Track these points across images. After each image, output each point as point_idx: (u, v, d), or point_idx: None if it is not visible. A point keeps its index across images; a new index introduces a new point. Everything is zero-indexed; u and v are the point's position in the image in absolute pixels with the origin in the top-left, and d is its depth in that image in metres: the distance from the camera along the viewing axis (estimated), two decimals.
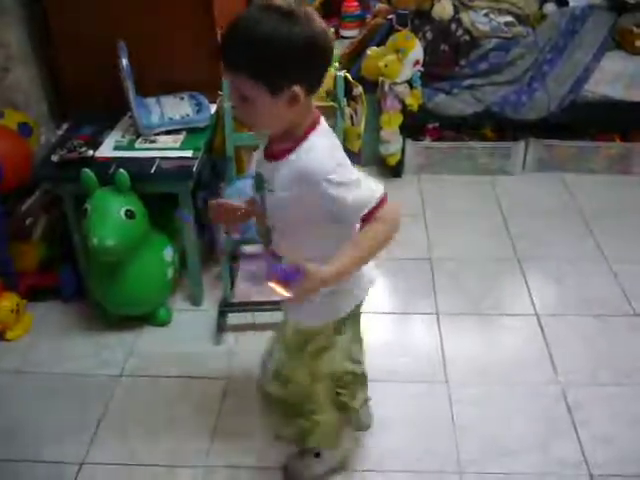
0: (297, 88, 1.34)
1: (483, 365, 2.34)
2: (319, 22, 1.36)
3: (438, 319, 2.55)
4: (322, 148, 1.42)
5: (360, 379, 1.94)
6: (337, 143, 1.48)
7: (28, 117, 2.68)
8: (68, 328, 2.55)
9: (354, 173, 1.42)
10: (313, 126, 1.44)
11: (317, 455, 1.95)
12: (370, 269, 1.64)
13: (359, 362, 1.91)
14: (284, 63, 1.33)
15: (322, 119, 1.48)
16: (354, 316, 1.74)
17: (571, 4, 3.53)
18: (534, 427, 2.11)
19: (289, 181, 1.42)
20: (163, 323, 2.53)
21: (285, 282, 1.41)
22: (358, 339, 1.88)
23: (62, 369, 2.36)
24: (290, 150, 1.42)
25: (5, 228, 2.48)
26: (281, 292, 1.43)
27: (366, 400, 2.01)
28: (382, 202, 1.43)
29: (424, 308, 2.62)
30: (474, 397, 2.22)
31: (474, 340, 2.47)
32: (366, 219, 1.42)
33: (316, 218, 1.46)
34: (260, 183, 1.52)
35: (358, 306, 1.70)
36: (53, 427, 2.15)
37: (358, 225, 1.45)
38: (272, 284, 1.44)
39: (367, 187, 1.43)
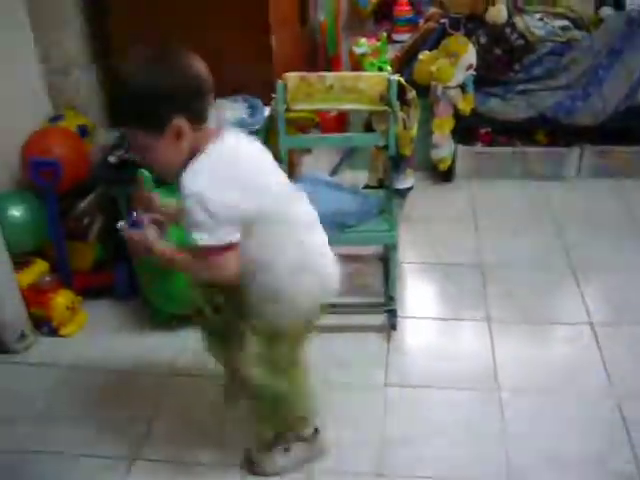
0: (179, 122, 1.48)
1: (536, 374, 2.30)
2: (187, 60, 1.51)
3: (489, 326, 2.52)
4: (195, 169, 1.51)
5: None
6: (224, 161, 1.55)
7: (87, 119, 2.74)
8: (121, 326, 2.60)
9: (205, 213, 1.49)
10: (199, 152, 1.54)
11: (286, 450, 1.98)
12: (330, 277, 1.73)
13: None
14: (158, 106, 1.46)
15: (215, 143, 1.55)
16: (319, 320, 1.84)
17: (628, 7, 3.47)
18: (587, 439, 2.06)
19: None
20: None
21: (131, 227, 1.64)
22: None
23: (114, 366, 2.40)
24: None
25: (62, 227, 2.54)
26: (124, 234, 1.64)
27: None
28: (219, 251, 1.53)
29: (475, 315, 2.59)
30: (526, 406, 2.18)
31: (526, 348, 2.44)
32: (199, 254, 1.55)
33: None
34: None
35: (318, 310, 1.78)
36: (105, 423, 2.18)
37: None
38: (120, 225, 1.65)
39: (216, 237, 1.52)
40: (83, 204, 2.69)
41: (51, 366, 2.43)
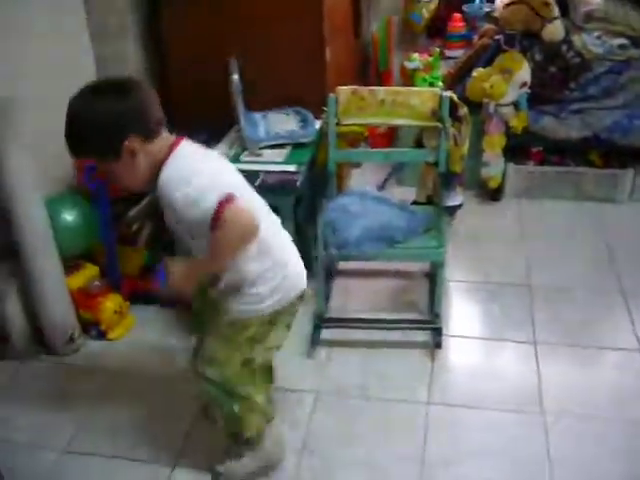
0: (130, 144, 1.55)
1: (582, 399, 2.25)
2: (126, 85, 1.60)
3: (535, 348, 2.47)
4: (169, 173, 1.59)
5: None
6: (194, 159, 1.64)
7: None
8: (166, 333, 2.62)
9: (197, 188, 1.56)
10: (165, 160, 1.61)
11: (240, 455, 2.00)
12: (296, 277, 1.82)
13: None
14: (107, 136, 1.55)
15: (178, 143, 1.64)
16: (292, 315, 1.89)
17: None
18: (633, 469, 2.00)
19: (162, 203, 1.63)
20: None
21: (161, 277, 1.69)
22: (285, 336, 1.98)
23: (159, 371, 2.43)
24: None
25: (114, 232, 2.59)
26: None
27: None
28: (222, 206, 1.54)
29: (520, 336, 2.54)
30: (571, 431, 2.13)
31: (573, 372, 2.38)
32: (212, 226, 1.56)
33: (182, 222, 1.64)
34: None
35: (285, 308, 1.81)
36: (148, 428, 2.21)
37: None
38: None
39: (209, 197, 1.55)
40: (133, 210, 2.74)
41: (98, 369, 2.47)
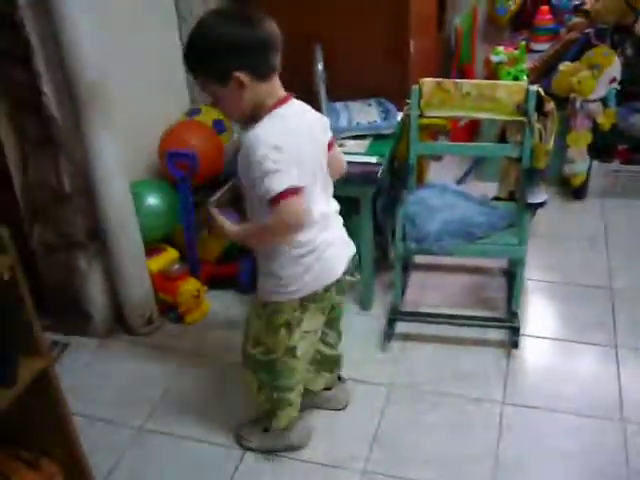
0: (239, 74, 1.59)
1: None
2: (255, 20, 1.62)
3: (617, 352, 2.39)
4: (262, 128, 1.64)
5: (330, 360, 2.12)
6: (287, 128, 1.66)
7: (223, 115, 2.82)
8: (241, 318, 2.63)
9: (276, 162, 1.59)
10: (270, 109, 1.66)
11: (265, 430, 2.08)
12: (331, 261, 1.81)
13: (331, 345, 2.10)
14: (222, 59, 1.59)
15: (286, 102, 1.69)
16: (324, 302, 1.87)
17: None
18: None
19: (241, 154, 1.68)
20: None
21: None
22: (333, 326, 2.06)
23: (232, 356, 2.41)
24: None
25: (195, 218, 2.64)
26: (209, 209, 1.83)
27: (339, 379, 2.22)
28: (285, 194, 1.59)
29: (601, 339, 2.47)
30: None
31: None
32: (270, 204, 1.61)
33: (248, 183, 1.68)
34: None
35: (317, 294, 1.82)
36: (221, 412, 2.24)
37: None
38: (210, 200, 1.85)
39: (279, 179, 1.59)
40: (214, 197, 2.77)
41: (173, 351, 2.53)
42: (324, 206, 1.80)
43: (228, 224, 1.79)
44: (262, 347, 1.91)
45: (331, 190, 1.85)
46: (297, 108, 1.74)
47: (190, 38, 1.64)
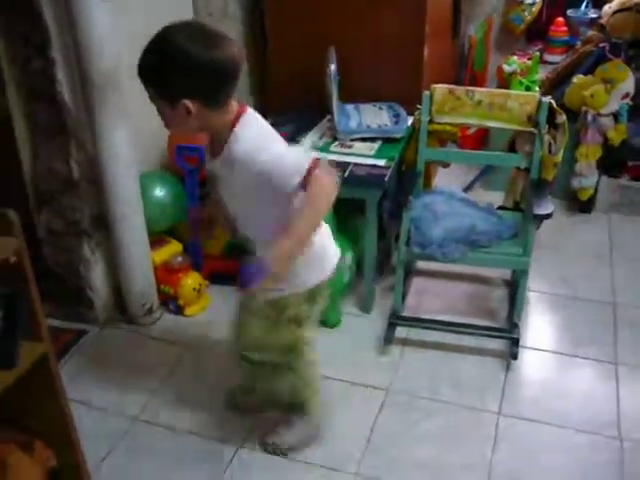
0: (189, 103, 1.54)
1: None
2: (217, 49, 1.53)
3: (617, 369, 2.38)
4: (248, 137, 1.61)
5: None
6: (263, 124, 1.68)
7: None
8: None
9: (282, 145, 1.66)
10: (235, 123, 1.62)
11: (291, 425, 2.07)
12: (331, 245, 1.86)
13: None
14: (170, 79, 1.54)
15: (245, 111, 1.65)
16: (327, 291, 1.90)
17: None
18: None
19: (228, 168, 1.65)
20: (332, 325, 2.56)
21: (257, 277, 1.58)
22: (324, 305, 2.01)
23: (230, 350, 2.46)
24: (223, 147, 1.64)
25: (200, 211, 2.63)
26: (265, 285, 1.60)
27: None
28: (314, 165, 1.58)
29: (600, 355, 2.45)
30: None
31: None
32: (304, 184, 1.58)
33: (258, 190, 1.64)
34: (212, 178, 1.79)
35: (322, 283, 1.85)
36: (214, 406, 2.23)
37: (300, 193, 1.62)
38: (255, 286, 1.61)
39: (296, 156, 1.64)
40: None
41: (172, 343, 2.53)
42: None
43: (273, 252, 1.59)
44: (268, 349, 1.91)
45: None
46: (255, 115, 1.70)
47: (148, 47, 1.55)
